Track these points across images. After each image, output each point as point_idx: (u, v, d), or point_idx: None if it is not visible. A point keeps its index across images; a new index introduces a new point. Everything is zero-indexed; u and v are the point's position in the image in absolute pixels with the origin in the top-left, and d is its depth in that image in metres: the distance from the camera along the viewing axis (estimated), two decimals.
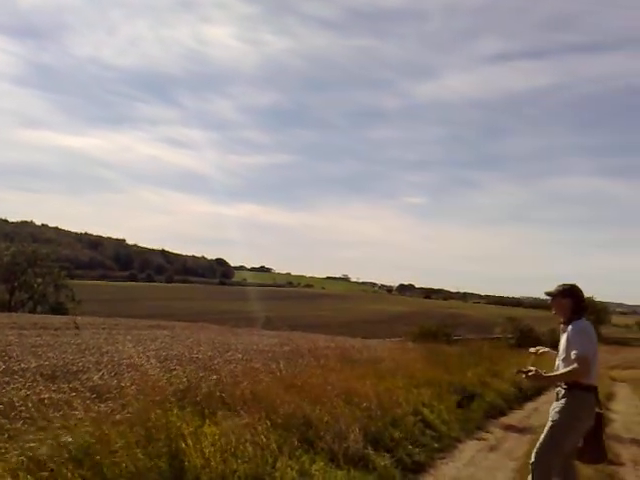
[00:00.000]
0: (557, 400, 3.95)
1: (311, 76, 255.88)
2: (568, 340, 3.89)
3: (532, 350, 4.47)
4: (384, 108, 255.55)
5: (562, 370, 3.88)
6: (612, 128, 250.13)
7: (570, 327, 3.91)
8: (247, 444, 4.25)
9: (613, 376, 21.87)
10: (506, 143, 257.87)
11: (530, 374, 3.97)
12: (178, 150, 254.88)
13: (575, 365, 3.74)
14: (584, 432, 3.88)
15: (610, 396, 13.20)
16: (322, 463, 4.47)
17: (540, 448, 3.88)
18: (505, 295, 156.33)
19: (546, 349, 4.43)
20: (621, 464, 6.30)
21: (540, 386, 11.21)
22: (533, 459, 3.93)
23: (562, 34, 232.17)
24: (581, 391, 3.82)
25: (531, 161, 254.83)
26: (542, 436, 3.91)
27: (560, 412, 3.85)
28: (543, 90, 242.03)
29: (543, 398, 11.72)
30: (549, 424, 3.90)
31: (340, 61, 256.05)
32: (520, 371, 4.06)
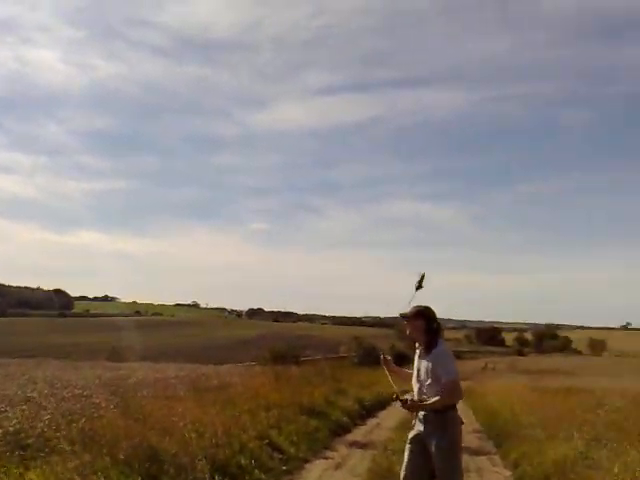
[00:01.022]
0: (425, 423, 3.94)
1: (146, 102, 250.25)
2: (434, 365, 3.92)
3: (384, 357, 4.35)
4: (223, 136, 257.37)
5: (437, 397, 3.86)
6: (427, 157, 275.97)
7: (434, 352, 3.95)
8: None
9: None
10: (340, 171, 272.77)
11: (408, 404, 3.93)
12: (4, 176, 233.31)
13: (448, 389, 3.82)
14: None
15: None
16: None
17: (448, 477, 3.86)
18: (349, 315, 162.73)
19: (390, 360, 4.37)
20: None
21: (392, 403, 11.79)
22: None
23: (381, 69, 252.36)
24: (452, 411, 3.91)
25: (364, 188, 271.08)
26: (441, 467, 3.85)
27: (444, 436, 3.86)
28: (367, 122, 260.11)
29: (384, 413, 12.38)
30: (442, 452, 3.85)
31: (175, 89, 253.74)
32: (397, 399, 3.97)
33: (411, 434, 4.06)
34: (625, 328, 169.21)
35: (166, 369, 16.40)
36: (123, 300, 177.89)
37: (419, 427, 3.99)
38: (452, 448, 3.88)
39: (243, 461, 5.74)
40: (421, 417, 3.97)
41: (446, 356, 3.93)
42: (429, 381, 3.93)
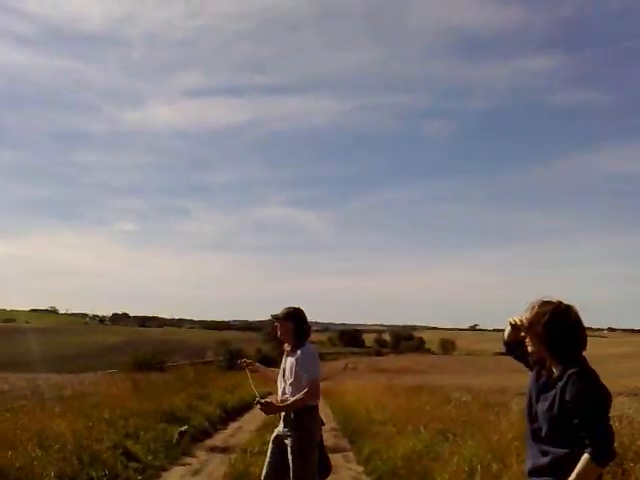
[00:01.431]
0: (286, 425, 4.04)
1: (6, 93, 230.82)
2: (297, 364, 4.02)
3: (241, 362, 4.49)
4: (89, 132, 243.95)
5: (296, 397, 3.97)
6: (301, 162, 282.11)
7: (299, 352, 4.04)
8: None
9: None
10: (211, 174, 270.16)
11: (264, 406, 4.00)
12: None
13: (307, 389, 3.92)
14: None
15: None
16: None
17: (299, 477, 3.94)
18: (217, 319, 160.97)
19: (253, 363, 4.50)
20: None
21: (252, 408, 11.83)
22: None
23: (256, 74, 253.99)
24: (311, 411, 4.02)
25: (235, 191, 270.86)
26: (294, 467, 3.95)
27: (299, 437, 3.97)
28: (241, 125, 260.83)
29: (246, 416, 12.44)
30: (294, 450, 3.96)
31: (39, 80, 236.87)
32: (257, 402, 4.03)
33: (273, 434, 4.19)
34: (473, 329, 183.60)
35: (15, 380, 15.28)
36: None
37: (280, 427, 4.12)
38: (307, 449, 4.00)
39: (95, 473, 5.51)
40: (282, 416, 4.09)
41: (309, 356, 4.04)
42: (292, 379, 4.05)
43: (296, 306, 4.24)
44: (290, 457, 3.99)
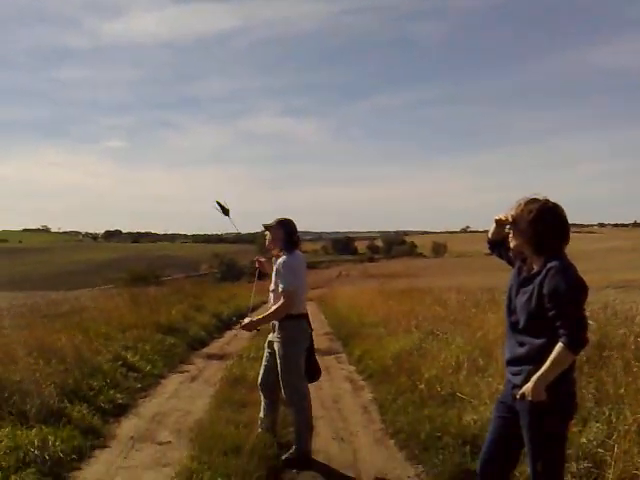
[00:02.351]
0: (274, 332, 4.22)
1: None
2: (277, 272, 4.15)
3: (256, 259, 4.62)
4: (71, 47, 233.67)
5: (271, 309, 4.15)
6: (293, 69, 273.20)
7: (279, 260, 4.16)
8: None
9: None
10: (201, 85, 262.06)
11: (243, 325, 4.24)
12: None
13: (282, 301, 4.06)
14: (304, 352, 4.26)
15: None
16: (10, 427, 4.23)
17: (285, 381, 4.15)
18: (210, 233, 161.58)
19: (263, 259, 4.61)
20: None
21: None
22: (285, 395, 4.20)
23: None
24: (294, 320, 4.15)
25: (226, 103, 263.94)
26: (280, 371, 4.15)
27: (283, 342, 4.13)
28: (229, 33, 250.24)
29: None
30: (279, 356, 4.15)
31: None
32: (240, 326, 4.26)
33: (267, 339, 4.37)
34: (464, 231, 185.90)
35: (12, 298, 15.48)
36: None
37: (271, 333, 4.29)
38: (292, 354, 4.17)
39: (96, 383, 5.69)
40: (272, 324, 4.25)
41: (288, 267, 4.12)
42: (273, 287, 4.21)
43: (287, 217, 4.31)
44: (278, 361, 4.18)
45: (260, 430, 4.32)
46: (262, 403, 4.40)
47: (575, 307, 2.45)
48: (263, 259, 4.60)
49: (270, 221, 4.30)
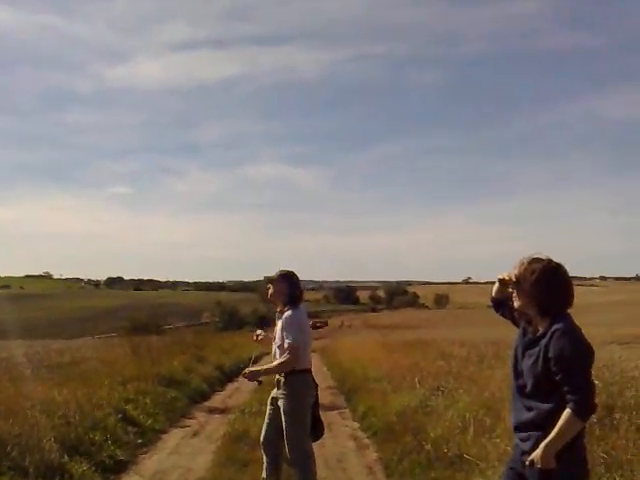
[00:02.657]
0: (279, 388, 4.16)
1: None
2: (282, 327, 4.12)
3: (256, 334, 4.57)
4: (77, 91, 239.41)
5: (276, 362, 4.11)
6: (289, 117, 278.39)
7: (285, 315, 4.13)
8: None
9: None
10: (202, 131, 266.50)
11: (247, 375, 4.18)
12: None
13: (287, 355, 4.01)
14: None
15: None
16: None
17: (290, 439, 4.07)
18: (211, 280, 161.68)
19: (263, 333, 4.56)
20: None
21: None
22: (290, 454, 4.10)
23: (243, 24, 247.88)
24: (299, 374, 4.11)
25: (226, 149, 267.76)
26: (285, 428, 4.09)
27: (288, 397, 4.07)
28: (230, 80, 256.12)
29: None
30: (284, 412, 4.09)
31: (25, 38, 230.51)
32: (243, 374, 4.26)
33: (271, 395, 4.31)
34: (466, 282, 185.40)
35: (13, 347, 15.40)
36: None
37: (275, 389, 4.24)
38: (298, 410, 4.11)
39: (97, 437, 5.63)
40: (276, 380, 4.21)
41: (294, 322, 4.10)
42: (279, 343, 4.16)
43: (289, 270, 4.29)
44: (282, 418, 4.12)
45: None
46: (264, 462, 4.30)
47: (582, 371, 2.42)
48: (262, 335, 4.52)
49: (272, 274, 4.28)
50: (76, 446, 5.22)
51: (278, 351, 4.19)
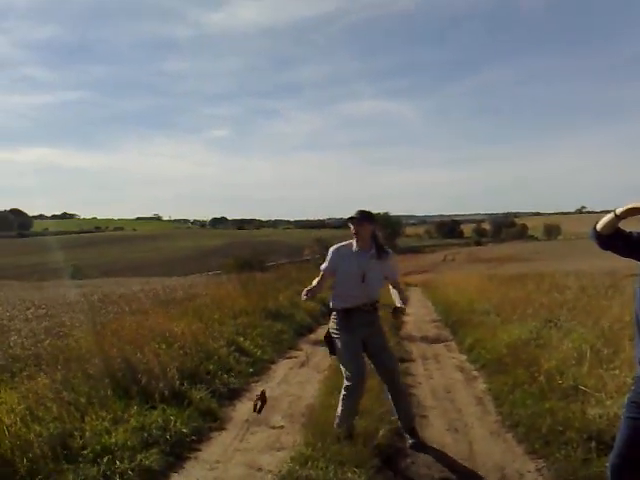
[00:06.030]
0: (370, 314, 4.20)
1: (94, 6, 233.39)
2: (391, 266, 4.23)
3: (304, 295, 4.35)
4: (176, 39, 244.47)
5: (403, 290, 4.41)
6: (385, 53, 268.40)
7: (392, 255, 4.26)
8: (50, 403, 4.12)
9: (408, 281, 24.26)
10: (298, 71, 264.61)
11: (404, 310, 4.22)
12: None
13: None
14: None
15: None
16: (136, 407, 4.48)
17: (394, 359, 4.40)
18: (311, 218, 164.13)
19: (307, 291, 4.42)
20: (412, 360, 7.22)
21: None
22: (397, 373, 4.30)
23: None
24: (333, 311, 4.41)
25: (323, 88, 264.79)
26: (387, 348, 4.30)
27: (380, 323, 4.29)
28: (326, 16, 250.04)
29: None
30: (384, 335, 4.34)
31: None
32: (402, 312, 4.20)
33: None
34: (580, 212, 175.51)
35: (130, 284, 16.48)
36: (83, 217, 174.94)
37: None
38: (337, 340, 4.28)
39: (211, 367, 5.95)
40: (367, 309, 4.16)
41: (395, 260, 4.38)
42: (378, 282, 4.19)
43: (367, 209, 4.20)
44: (382, 340, 4.30)
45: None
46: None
47: None
48: (310, 294, 4.31)
49: (354, 213, 4.10)
50: (193, 375, 5.53)
51: (376, 289, 4.18)
